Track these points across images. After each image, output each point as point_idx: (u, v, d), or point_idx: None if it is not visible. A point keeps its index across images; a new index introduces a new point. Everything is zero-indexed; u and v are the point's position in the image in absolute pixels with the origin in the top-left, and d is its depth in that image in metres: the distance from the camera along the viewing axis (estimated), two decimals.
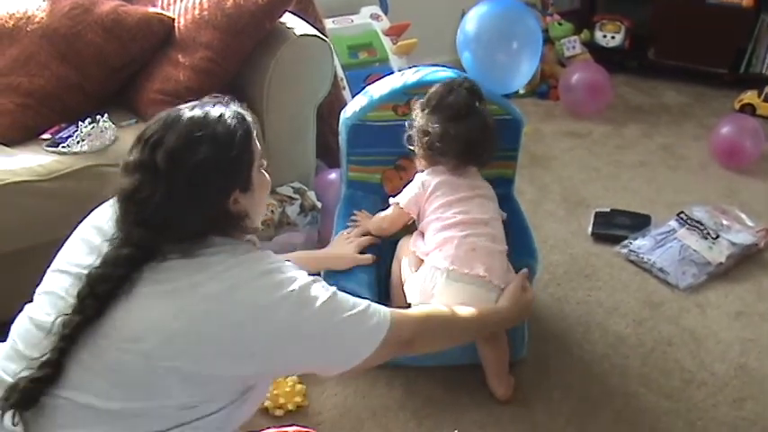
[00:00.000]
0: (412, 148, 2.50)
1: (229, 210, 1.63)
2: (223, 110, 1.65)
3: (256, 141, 1.72)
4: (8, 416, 1.43)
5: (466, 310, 2.04)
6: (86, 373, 1.47)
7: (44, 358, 1.46)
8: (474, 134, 2.39)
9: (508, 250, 2.44)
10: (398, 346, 1.79)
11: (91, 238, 1.63)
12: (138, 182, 1.54)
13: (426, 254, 2.38)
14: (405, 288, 2.42)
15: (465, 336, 2.00)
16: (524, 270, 2.35)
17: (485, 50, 2.57)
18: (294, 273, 1.63)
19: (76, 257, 1.60)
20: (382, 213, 2.57)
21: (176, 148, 1.55)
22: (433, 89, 2.47)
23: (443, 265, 2.29)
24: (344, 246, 2.52)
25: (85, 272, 1.52)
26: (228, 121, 1.63)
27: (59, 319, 1.48)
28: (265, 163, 1.77)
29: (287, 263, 1.67)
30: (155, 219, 1.53)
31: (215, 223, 1.61)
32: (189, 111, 1.62)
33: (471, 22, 2.63)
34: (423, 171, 2.51)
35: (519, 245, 2.51)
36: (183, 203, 1.55)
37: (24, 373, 1.46)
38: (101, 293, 1.49)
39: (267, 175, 1.79)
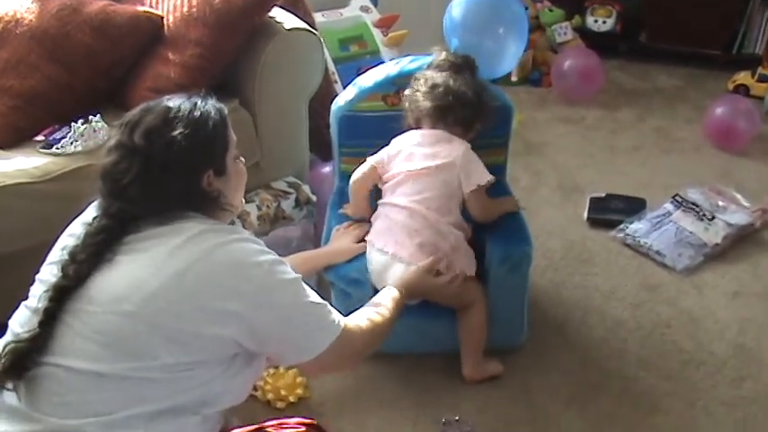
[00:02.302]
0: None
1: (203, 189, 1.69)
2: (199, 99, 1.73)
3: (231, 132, 1.79)
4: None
5: (385, 303, 2.09)
6: (76, 338, 1.51)
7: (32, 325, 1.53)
8: (454, 83, 2.44)
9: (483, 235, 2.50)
10: (351, 357, 1.88)
11: (77, 231, 1.66)
12: (117, 158, 1.62)
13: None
14: None
15: (391, 330, 2.05)
16: (434, 258, 2.36)
17: (471, 36, 2.58)
18: (266, 248, 1.69)
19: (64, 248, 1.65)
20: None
21: (153, 126, 1.63)
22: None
23: (369, 237, 2.46)
24: (340, 239, 2.54)
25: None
26: (205, 107, 1.71)
27: (45, 293, 1.55)
28: (243, 159, 1.85)
29: (259, 239, 1.73)
30: (131, 191, 1.60)
31: (189, 201, 1.67)
32: (166, 100, 1.70)
33: (457, 8, 2.64)
34: None
35: (512, 232, 2.51)
36: (157, 178, 1.61)
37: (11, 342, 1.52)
38: (80, 260, 1.56)
39: (243, 166, 1.86)
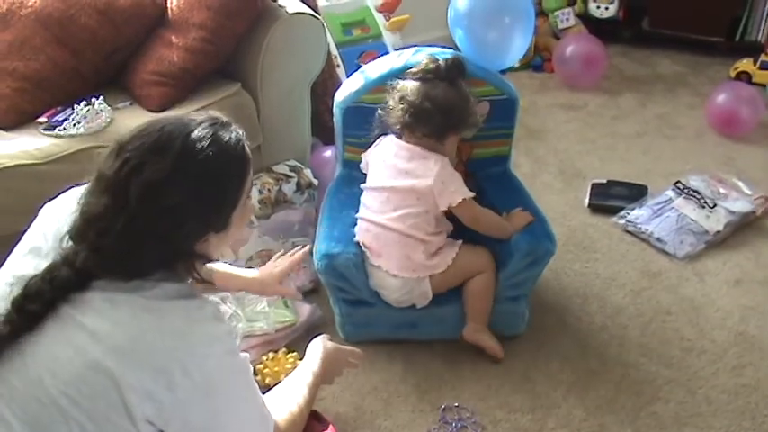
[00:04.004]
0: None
1: (194, 251, 1.51)
2: (222, 142, 1.50)
3: (250, 175, 1.59)
4: None
5: (299, 388, 1.97)
6: (3, 408, 1.38)
7: None
8: (419, 97, 2.41)
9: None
10: None
11: (38, 241, 1.55)
12: (104, 207, 1.41)
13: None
14: None
15: (313, 403, 1.96)
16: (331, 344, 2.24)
17: (477, 27, 2.54)
18: (220, 322, 1.53)
19: (19, 261, 1.55)
20: None
21: (155, 182, 1.40)
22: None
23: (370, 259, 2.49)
24: (271, 270, 2.38)
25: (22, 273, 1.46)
26: (224, 159, 1.50)
27: None
28: (253, 195, 1.63)
29: (211, 307, 1.53)
30: (107, 249, 1.41)
31: (170, 262, 1.49)
32: (184, 137, 1.45)
33: None
34: None
35: (539, 228, 2.52)
36: (144, 242, 1.42)
37: None
38: (29, 312, 1.40)
39: (251, 203, 1.68)
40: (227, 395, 1.50)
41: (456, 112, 2.44)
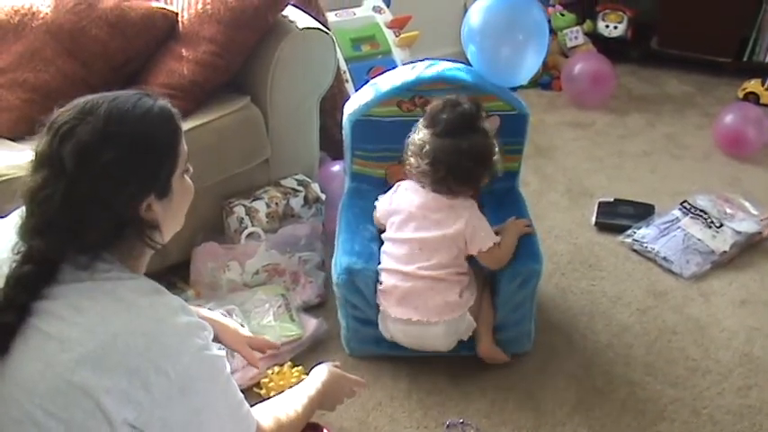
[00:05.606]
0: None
1: (140, 217, 1.50)
2: (149, 105, 1.53)
3: (183, 144, 1.60)
4: None
5: (293, 402, 1.94)
6: None
7: None
8: (455, 156, 2.36)
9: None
10: None
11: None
12: (43, 179, 1.42)
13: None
14: None
15: (300, 427, 1.91)
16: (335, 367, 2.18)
17: (490, 43, 2.54)
18: (183, 317, 1.50)
19: None
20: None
21: (87, 143, 1.42)
22: (433, 104, 2.47)
23: (388, 311, 2.47)
24: (251, 334, 2.36)
25: None
26: (152, 119, 1.52)
27: None
28: (191, 169, 1.65)
29: (177, 302, 1.53)
30: (56, 224, 1.41)
31: (120, 232, 1.48)
32: (110, 101, 1.48)
33: (476, 14, 2.58)
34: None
35: (523, 249, 2.51)
36: (87, 206, 1.42)
37: None
38: (4, 326, 1.40)
39: (190, 181, 1.66)
40: (204, 391, 1.50)
41: (491, 157, 2.43)
